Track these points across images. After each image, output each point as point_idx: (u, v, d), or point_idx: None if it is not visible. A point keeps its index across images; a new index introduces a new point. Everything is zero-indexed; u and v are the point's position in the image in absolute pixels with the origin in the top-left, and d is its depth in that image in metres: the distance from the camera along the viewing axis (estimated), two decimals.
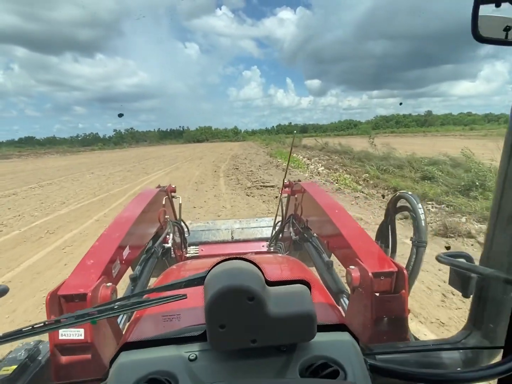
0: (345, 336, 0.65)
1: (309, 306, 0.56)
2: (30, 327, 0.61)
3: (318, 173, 13.65)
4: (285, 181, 2.69)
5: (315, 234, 2.11)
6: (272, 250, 2.86)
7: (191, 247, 3.04)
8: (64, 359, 0.95)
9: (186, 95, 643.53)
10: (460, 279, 0.92)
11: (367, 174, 10.99)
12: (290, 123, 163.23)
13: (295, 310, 0.55)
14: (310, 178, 12.35)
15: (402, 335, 1.08)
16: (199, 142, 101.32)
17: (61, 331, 0.92)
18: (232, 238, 3.15)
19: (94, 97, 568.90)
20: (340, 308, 1.35)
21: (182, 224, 2.83)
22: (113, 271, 1.26)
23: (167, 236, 2.29)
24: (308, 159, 18.91)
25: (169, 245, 2.25)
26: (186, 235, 2.90)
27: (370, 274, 1.06)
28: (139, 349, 0.62)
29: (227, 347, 0.56)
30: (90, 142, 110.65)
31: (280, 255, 2.36)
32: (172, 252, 2.39)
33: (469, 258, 0.94)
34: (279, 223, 2.91)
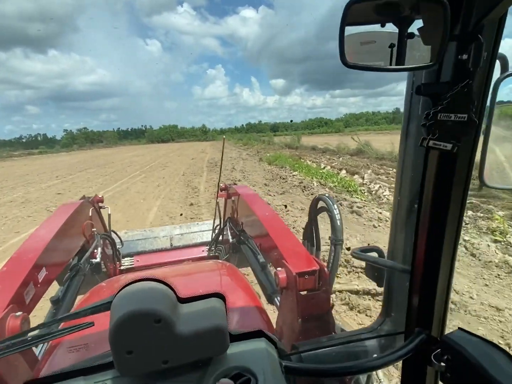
0: (261, 342, 0.66)
1: (221, 319, 0.56)
2: None
3: None
4: (221, 184, 2.65)
5: (250, 236, 2.07)
6: (212, 254, 2.73)
7: (126, 258, 2.71)
8: None
9: (149, 93, 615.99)
10: (373, 272, 1.02)
11: None
12: (260, 121, 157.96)
13: (206, 325, 0.55)
14: None
15: (328, 329, 1.11)
16: (163, 142, 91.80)
17: None
18: (171, 245, 2.92)
19: (48, 96, 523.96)
20: (275, 307, 1.42)
21: (114, 235, 2.51)
22: (25, 296, 1.09)
23: (95, 251, 2.02)
24: (354, 174, 11.14)
25: (98, 259, 2.00)
26: (119, 246, 2.58)
27: (294, 274, 1.07)
28: None
29: (137, 372, 0.55)
30: (38, 144, 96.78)
31: (214, 261, 2.09)
32: (104, 267, 2.18)
33: (380, 252, 1.01)
34: (218, 226, 2.74)
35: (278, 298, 1.44)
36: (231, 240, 2.38)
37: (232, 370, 0.59)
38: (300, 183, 10.17)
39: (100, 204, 2.49)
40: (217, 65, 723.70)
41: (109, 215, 2.55)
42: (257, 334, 0.68)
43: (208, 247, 2.80)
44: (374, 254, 1.01)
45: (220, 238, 2.64)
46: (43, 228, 1.57)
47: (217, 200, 2.70)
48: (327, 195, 1.60)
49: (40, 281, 1.22)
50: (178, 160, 23.52)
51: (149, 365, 0.54)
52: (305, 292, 1.09)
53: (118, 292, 0.57)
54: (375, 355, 0.89)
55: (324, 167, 12.98)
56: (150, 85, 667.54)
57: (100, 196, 2.50)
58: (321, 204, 1.64)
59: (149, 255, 2.81)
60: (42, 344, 1.11)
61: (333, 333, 1.11)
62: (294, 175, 12.00)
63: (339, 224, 1.45)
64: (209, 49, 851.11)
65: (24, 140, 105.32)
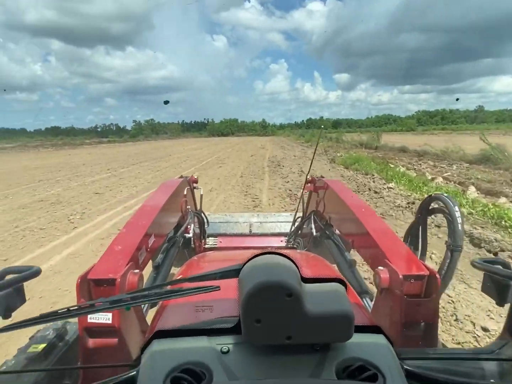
0: (380, 338, 0.62)
1: (347, 306, 0.54)
2: (66, 310, 0.61)
3: None
4: (308, 177, 2.60)
5: (337, 232, 2.02)
6: (290, 245, 2.77)
7: (210, 238, 2.97)
8: (91, 341, 0.94)
9: (213, 87, 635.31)
10: (495, 286, 0.89)
11: None
12: (322, 117, 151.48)
13: (333, 309, 0.53)
14: None
15: (431, 341, 1.03)
16: (223, 136, 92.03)
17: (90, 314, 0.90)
18: (250, 231, 3.03)
19: (124, 89, 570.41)
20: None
21: (203, 215, 2.76)
22: (139, 258, 1.23)
23: (188, 226, 2.26)
24: (498, 196, 7.46)
25: (190, 235, 2.24)
26: (205, 226, 2.81)
27: (400, 276, 1.01)
28: (171, 338, 0.61)
29: (262, 341, 0.55)
30: (111, 133, 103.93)
31: (300, 251, 2.18)
32: (192, 243, 2.39)
33: (506, 265, 0.89)
34: (299, 218, 2.79)
35: (367, 299, 1.41)
36: (314, 234, 2.34)
37: (355, 361, 0.55)
38: (409, 203, 6.91)
39: (194, 185, 2.68)
40: (280, 59, 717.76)
41: (201, 195, 2.79)
42: (375, 329, 0.63)
43: (285, 237, 2.85)
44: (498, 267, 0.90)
45: (299, 231, 2.64)
46: (152, 200, 1.75)
47: (303, 192, 2.72)
48: (445, 194, 1.44)
49: (149, 247, 1.34)
50: (236, 156, 21.32)
51: (274, 337, 0.54)
52: (408, 297, 1.02)
53: (247, 261, 0.57)
54: (492, 380, 0.80)
55: (432, 179, 9.43)
56: (215, 80, 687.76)
57: (195, 177, 2.70)
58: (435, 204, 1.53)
59: (230, 237, 2.95)
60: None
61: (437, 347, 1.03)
62: (390, 187, 8.73)
63: (460, 228, 1.29)
64: (274, 44, 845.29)
65: (99, 129, 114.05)
